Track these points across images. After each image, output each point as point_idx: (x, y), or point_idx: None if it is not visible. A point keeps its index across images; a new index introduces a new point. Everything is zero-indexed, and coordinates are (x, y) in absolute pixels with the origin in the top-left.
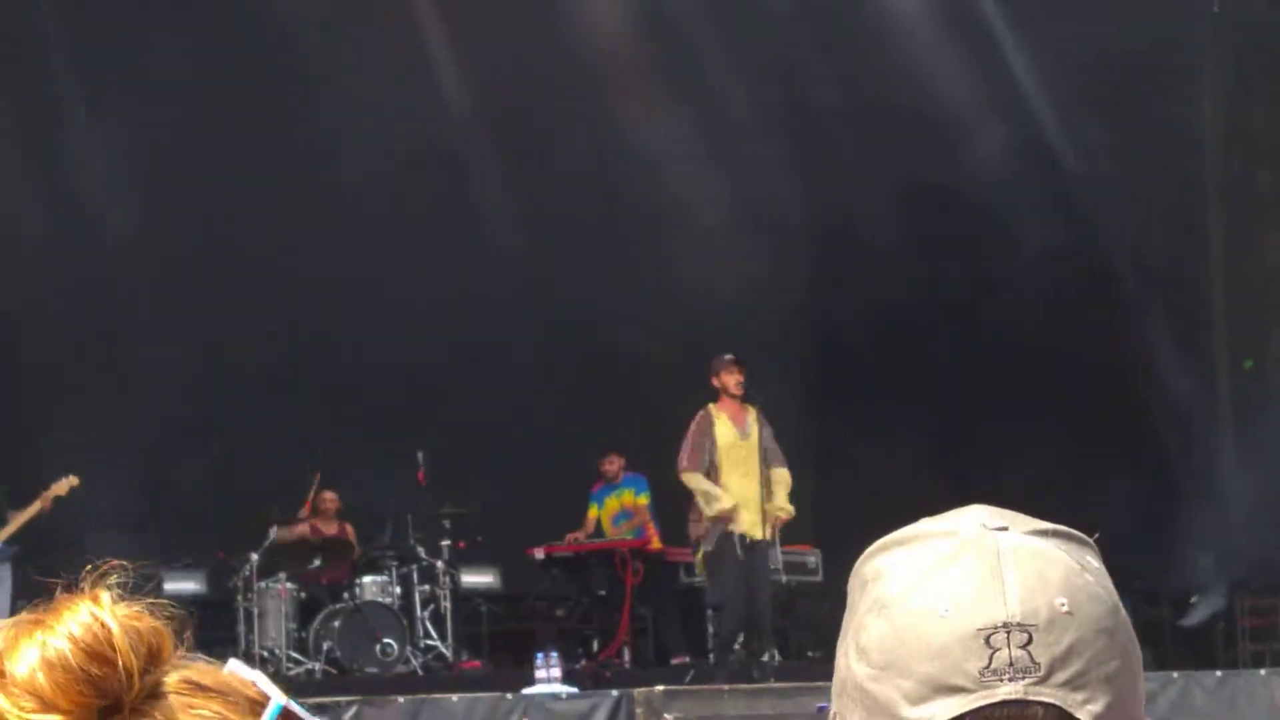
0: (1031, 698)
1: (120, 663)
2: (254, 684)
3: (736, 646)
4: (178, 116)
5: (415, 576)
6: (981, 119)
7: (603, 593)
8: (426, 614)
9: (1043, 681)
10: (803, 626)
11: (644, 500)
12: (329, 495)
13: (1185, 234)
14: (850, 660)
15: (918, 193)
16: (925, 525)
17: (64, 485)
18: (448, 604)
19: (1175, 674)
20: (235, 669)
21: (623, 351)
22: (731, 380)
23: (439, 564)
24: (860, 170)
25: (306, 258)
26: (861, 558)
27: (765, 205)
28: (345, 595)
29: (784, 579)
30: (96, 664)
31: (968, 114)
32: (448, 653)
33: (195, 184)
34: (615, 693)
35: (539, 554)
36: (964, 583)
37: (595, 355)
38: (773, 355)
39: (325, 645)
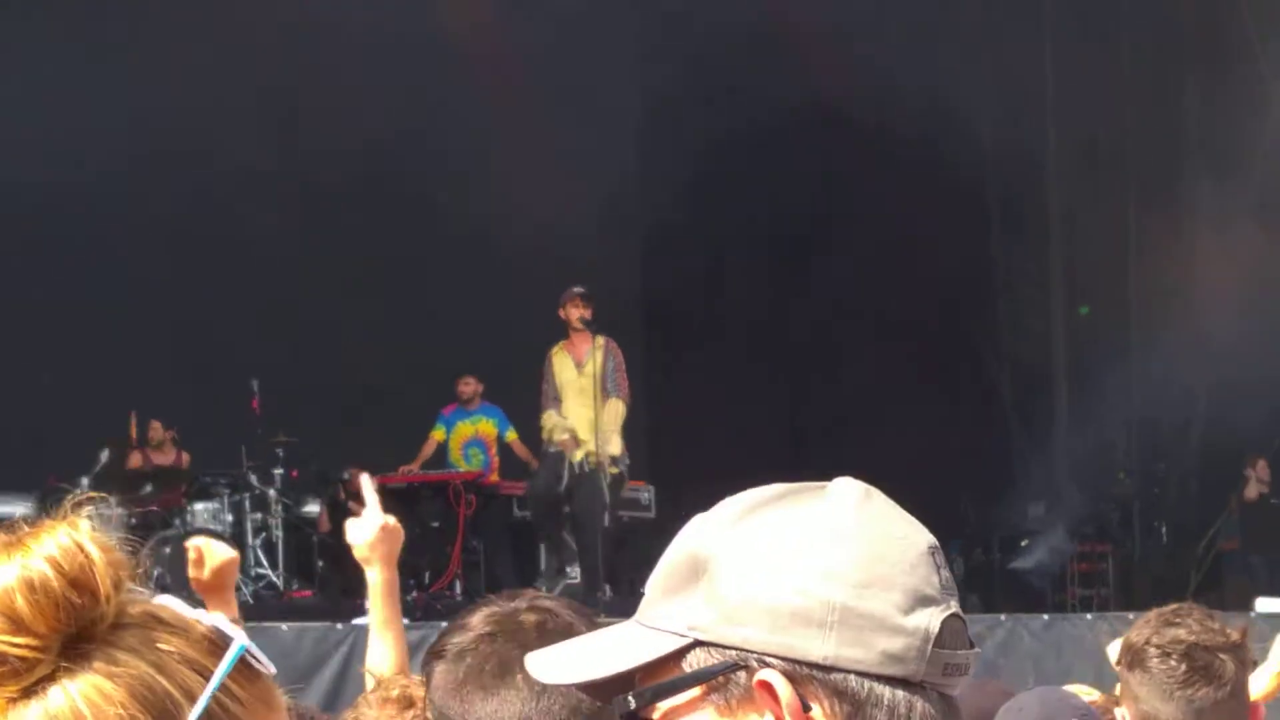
0: (959, 612)
1: (101, 591)
2: (213, 625)
3: (573, 579)
4: None
5: (247, 504)
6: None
7: (435, 524)
8: (258, 542)
9: (957, 598)
10: (635, 563)
11: (512, 436)
12: (155, 424)
13: (1029, 181)
14: (812, 587)
15: (759, 130)
16: (785, 486)
17: None
18: (279, 533)
19: (1003, 617)
20: (178, 606)
21: (458, 286)
22: (575, 314)
23: (271, 492)
24: (697, 107)
25: (144, 181)
26: (725, 520)
27: (598, 144)
28: (176, 522)
29: (622, 516)
30: (77, 591)
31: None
32: (279, 581)
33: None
34: (445, 625)
35: (359, 480)
36: (895, 511)
37: (437, 283)
38: (609, 289)
39: (155, 571)
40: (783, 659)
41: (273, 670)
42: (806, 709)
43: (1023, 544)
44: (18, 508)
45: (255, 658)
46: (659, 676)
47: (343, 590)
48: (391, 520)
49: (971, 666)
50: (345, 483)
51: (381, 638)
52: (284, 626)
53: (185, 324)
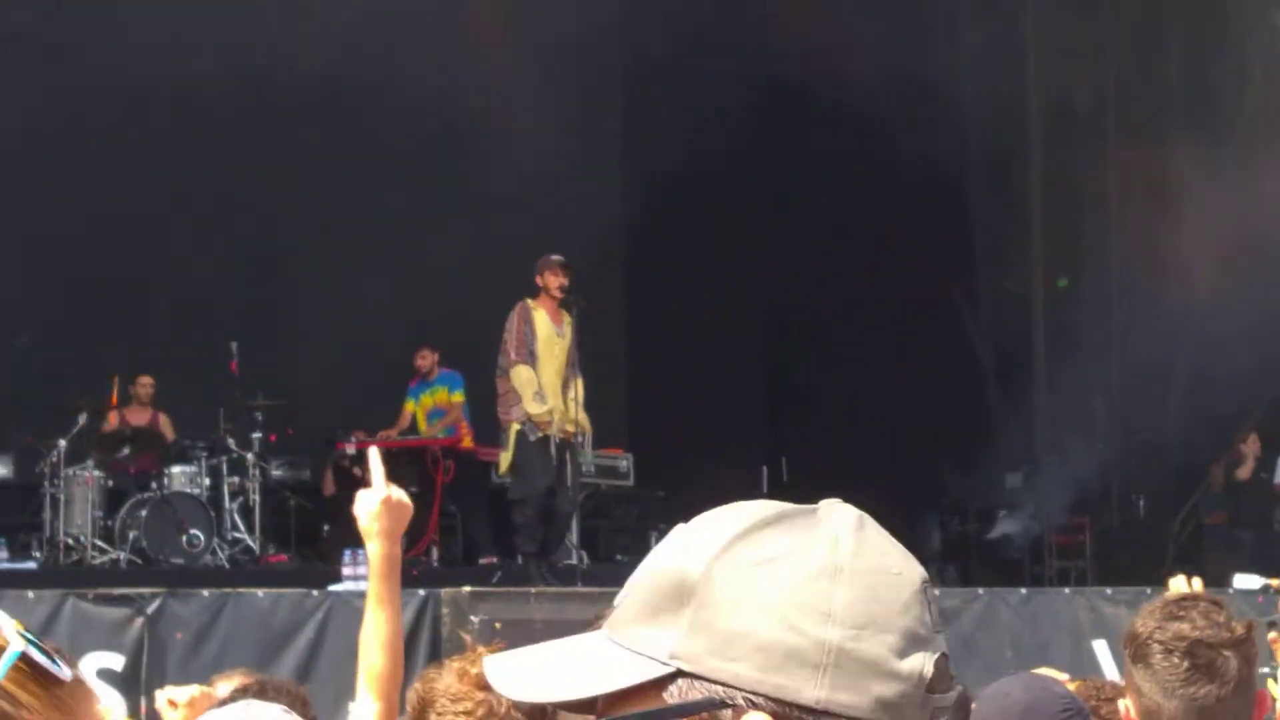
0: (946, 651)
1: None
2: None
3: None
4: None
5: (225, 468)
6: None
7: (413, 490)
8: (235, 506)
9: (944, 634)
10: (613, 530)
11: (458, 398)
12: (143, 380)
13: (1007, 150)
14: (808, 627)
15: (757, 98)
16: (774, 508)
17: None
18: (256, 497)
19: (980, 591)
20: None
21: (434, 245)
22: (555, 282)
23: (249, 456)
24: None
25: (109, 146)
26: (715, 544)
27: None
28: (153, 485)
29: (600, 484)
30: None
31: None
32: (255, 546)
33: None
34: (422, 592)
35: (350, 448)
36: (891, 543)
37: (405, 247)
38: (590, 261)
39: (131, 535)
40: (772, 699)
41: (67, 675)
42: None
43: (1000, 515)
44: None
45: (34, 660)
46: (631, 701)
47: (320, 556)
48: (395, 493)
49: (957, 708)
50: (339, 449)
51: (374, 615)
52: (259, 593)
53: (165, 288)
